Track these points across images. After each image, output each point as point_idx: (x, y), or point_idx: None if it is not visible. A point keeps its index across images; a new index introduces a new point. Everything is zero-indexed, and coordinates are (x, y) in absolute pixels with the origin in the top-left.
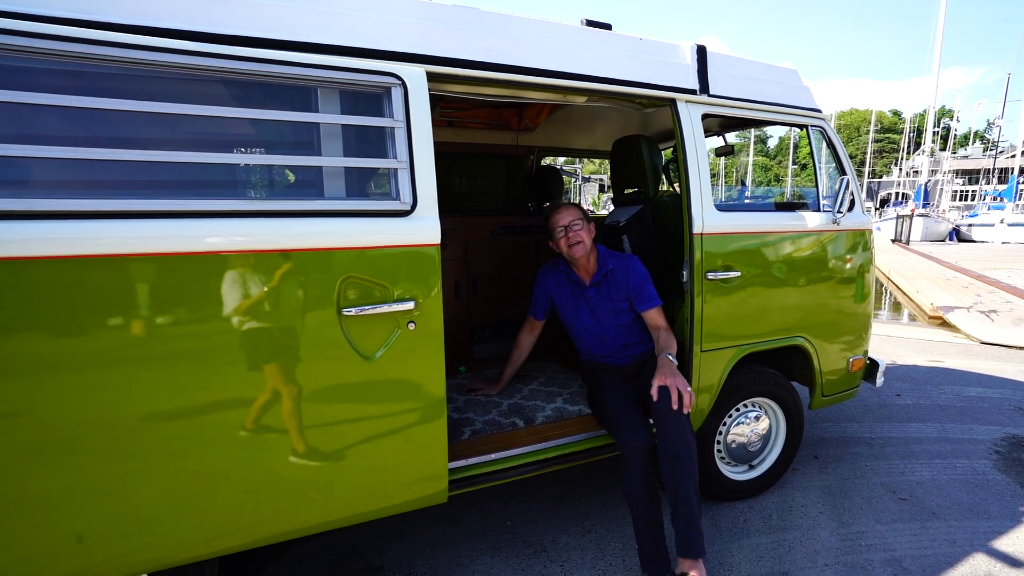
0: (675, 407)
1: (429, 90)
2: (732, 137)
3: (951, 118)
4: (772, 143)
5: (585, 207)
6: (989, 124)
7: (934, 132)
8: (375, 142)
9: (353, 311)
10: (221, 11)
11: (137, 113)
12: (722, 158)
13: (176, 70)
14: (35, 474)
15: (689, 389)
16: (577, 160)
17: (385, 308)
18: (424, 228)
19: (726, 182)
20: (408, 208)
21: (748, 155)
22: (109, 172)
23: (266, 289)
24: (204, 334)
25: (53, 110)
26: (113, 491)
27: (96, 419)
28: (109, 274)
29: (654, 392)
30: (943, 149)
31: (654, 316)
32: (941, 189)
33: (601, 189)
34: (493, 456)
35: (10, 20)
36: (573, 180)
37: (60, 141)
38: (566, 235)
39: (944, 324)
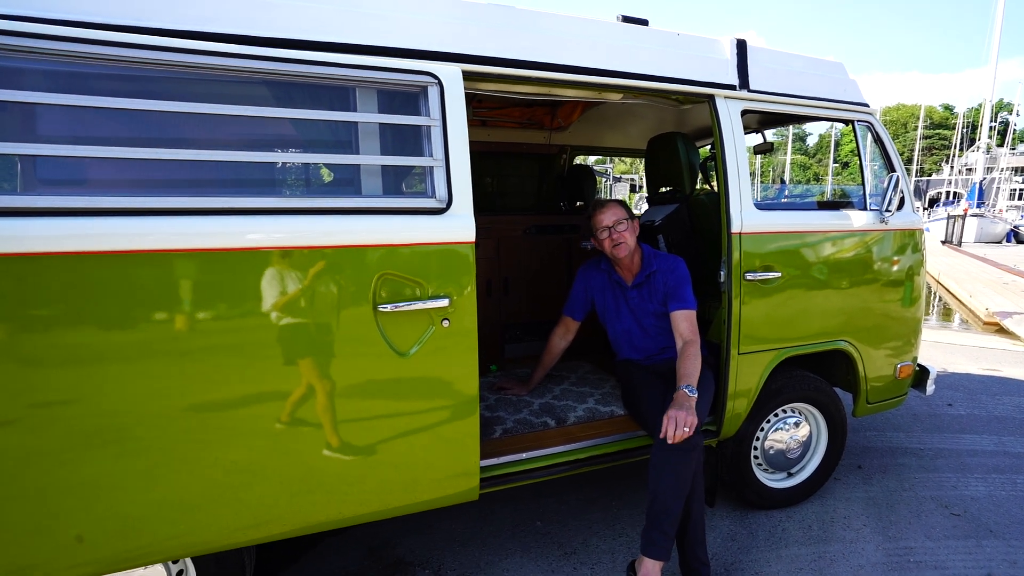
0: (664, 436)
1: (464, 89)
2: (770, 134)
3: (1010, 111)
4: (811, 140)
5: None
6: None
7: (991, 127)
8: (411, 141)
9: (388, 308)
10: (264, 15)
11: (184, 115)
12: (759, 156)
13: (219, 72)
14: (89, 460)
15: (687, 427)
16: (608, 160)
17: (420, 305)
18: (459, 226)
19: (763, 180)
20: (443, 206)
21: (786, 153)
22: (158, 171)
23: (305, 285)
24: (245, 329)
25: (107, 113)
26: (159, 477)
27: (141, 409)
28: (154, 269)
29: (663, 431)
30: (1000, 145)
31: (680, 319)
32: (998, 187)
33: (632, 189)
34: (524, 455)
35: (75, 28)
36: (604, 180)
37: (112, 142)
38: (610, 236)
39: (1001, 331)
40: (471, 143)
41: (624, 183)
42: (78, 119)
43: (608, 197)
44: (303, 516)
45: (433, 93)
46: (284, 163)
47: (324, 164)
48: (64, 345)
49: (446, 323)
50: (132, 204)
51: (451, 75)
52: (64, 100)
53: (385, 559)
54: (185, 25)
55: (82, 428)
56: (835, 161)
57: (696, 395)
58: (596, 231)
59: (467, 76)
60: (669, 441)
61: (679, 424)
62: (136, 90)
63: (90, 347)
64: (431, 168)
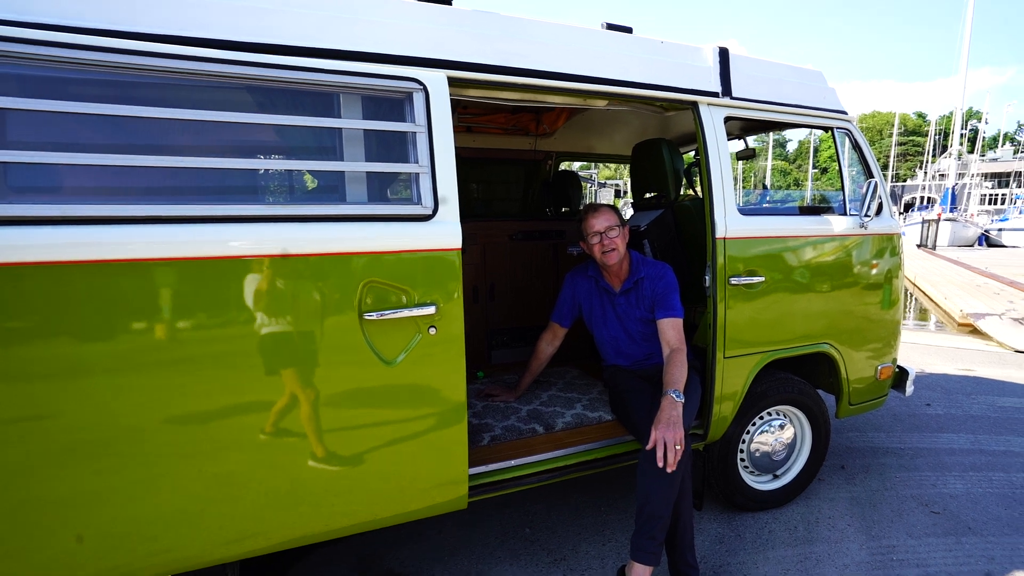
0: (659, 464)
1: (450, 95)
2: (752, 140)
3: (979, 119)
4: (791, 147)
5: None
6: (1020, 125)
7: (961, 134)
8: (397, 147)
9: (374, 315)
10: (248, 20)
11: (165, 120)
12: (740, 162)
13: (202, 78)
14: (64, 476)
15: (680, 446)
16: (592, 165)
17: (406, 313)
18: (445, 233)
19: (744, 186)
20: (429, 213)
21: (767, 159)
22: (137, 178)
23: (289, 293)
24: (228, 339)
25: (85, 118)
26: (139, 493)
27: (121, 423)
28: (134, 279)
29: (650, 444)
30: (971, 151)
31: (668, 327)
32: (969, 192)
33: (617, 194)
34: (513, 462)
35: (46, 32)
36: (589, 185)
37: (93, 148)
38: (601, 241)
39: (975, 332)
40: (456, 149)
41: (609, 188)
42: (54, 125)
43: (597, 203)
44: (289, 529)
45: (418, 99)
46: (268, 170)
47: (308, 171)
48: (39, 358)
49: (433, 331)
50: (111, 212)
51: (436, 81)
52: (39, 106)
53: (374, 571)
54: (166, 30)
55: (59, 443)
56: (814, 167)
57: (683, 400)
58: (587, 236)
59: (452, 82)
60: (668, 470)
61: (670, 445)
62: (116, 95)
63: (66, 360)
64: (417, 175)
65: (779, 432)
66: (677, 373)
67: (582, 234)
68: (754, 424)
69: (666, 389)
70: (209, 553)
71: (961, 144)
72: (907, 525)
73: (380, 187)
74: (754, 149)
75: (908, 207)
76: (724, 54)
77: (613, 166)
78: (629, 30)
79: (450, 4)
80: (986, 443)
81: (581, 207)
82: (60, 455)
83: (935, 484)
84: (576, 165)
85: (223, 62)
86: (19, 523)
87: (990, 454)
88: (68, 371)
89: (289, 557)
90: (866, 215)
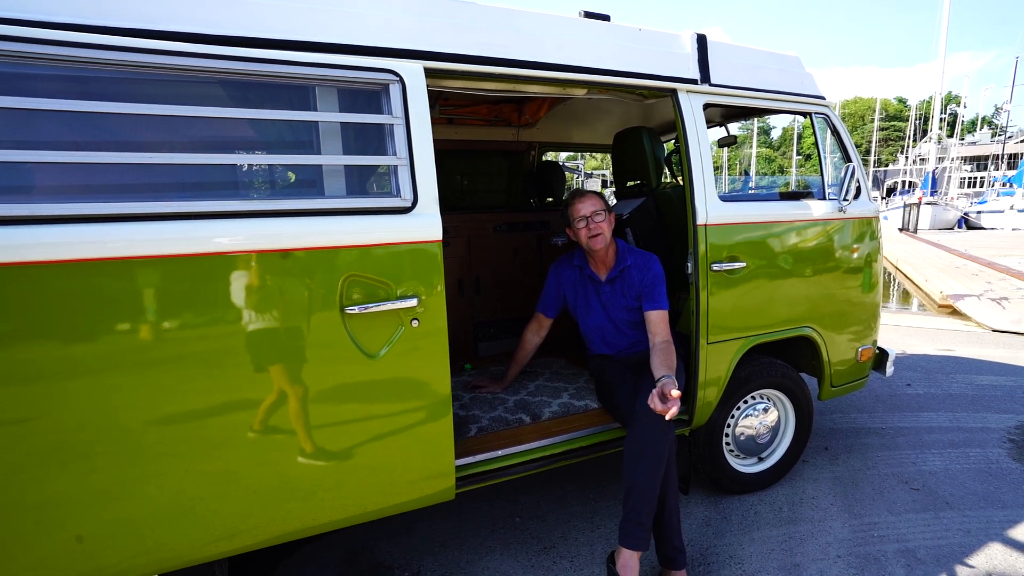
0: (652, 404)
1: (428, 86)
2: (735, 128)
3: (958, 104)
4: (776, 134)
5: None
6: (997, 109)
7: (941, 119)
8: (375, 139)
9: (356, 309)
10: (219, 12)
11: (137, 116)
12: (724, 149)
13: (174, 72)
14: (49, 478)
15: (676, 403)
16: (579, 156)
17: (388, 306)
18: (425, 225)
19: (729, 173)
20: (409, 205)
21: (751, 146)
22: (112, 175)
23: (269, 289)
24: (210, 336)
25: (55, 115)
26: (125, 493)
27: (106, 422)
28: (114, 278)
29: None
30: (950, 136)
31: (656, 319)
32: (949, 176)
33: (603, 184)
34: (500, 452)
35: (14, 27)
36: (576, 176)
37: (63, 146)
38: (587, 226)
39: (954, 312)
40: (438, 141)
41: (595, 179)
42: (26, 122)
43: (583, 188)
44: (278, 525)
45: (395, 91)
46: (244, 165)
47: (286, 165)
48: (22, 360)
49: (415, 323)
50: (88, 210)
51: (413, 72)
52: (12, 103)
53: (363, 564)
54: (137, 24)
55: (44, 446)
56: (798, 153)
57: (677, 385)
58: (573, 221)
59: (429, 73)
60: (661, 410)
61: (666, 392)
62: (88, 91)
63: (50, 361)
64: (395, 167)
65: (763, 415)
66: (669, 360)
67: (568, 220)
68: (739, 408)
69: (659, 375)
70: (198, 551)
71: (941, 128)
72: (888, 502)
73: (359, 180)
74: (735, 136)
75: (890, 191)
76: (702, 40)
77: (600, 156)
78: (607, 18)
79: None
80: (964, 420)
81: (565, 196)
82: (45, 458)
83: (915, 462)
84: (563, 155)
85: (196, 56)
86: (9, 524)
87: (968, 431)
88: (51, 373)
89: (278, 552)
90: (844, 199)
